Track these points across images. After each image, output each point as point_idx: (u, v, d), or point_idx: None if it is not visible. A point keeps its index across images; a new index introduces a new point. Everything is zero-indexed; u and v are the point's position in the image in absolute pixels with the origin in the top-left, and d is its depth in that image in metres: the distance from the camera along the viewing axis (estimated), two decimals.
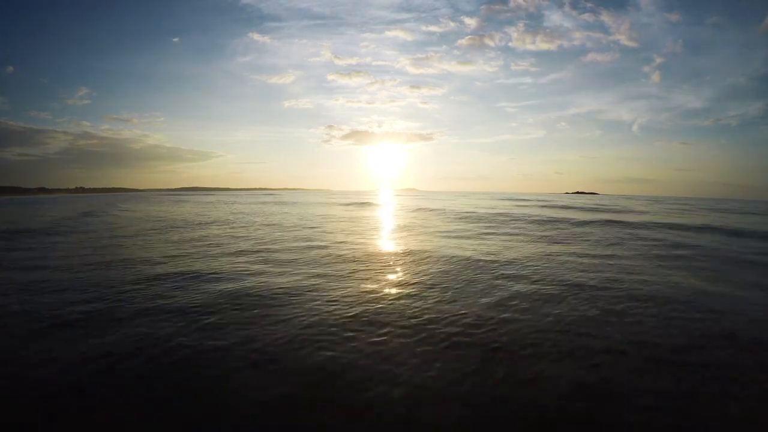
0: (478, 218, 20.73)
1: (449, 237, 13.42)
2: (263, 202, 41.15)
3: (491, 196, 70.92)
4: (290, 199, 53.87)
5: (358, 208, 32.16)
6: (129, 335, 4.40)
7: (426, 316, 5.05)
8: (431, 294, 6.14)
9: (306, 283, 6.78)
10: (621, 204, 41.01)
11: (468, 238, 13.21)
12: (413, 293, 6.18)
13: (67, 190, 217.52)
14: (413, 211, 27.38)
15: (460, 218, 21.17)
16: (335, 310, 5.29)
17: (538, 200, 49.45)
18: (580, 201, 50.14)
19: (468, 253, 9.79)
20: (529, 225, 17.73)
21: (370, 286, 6.62)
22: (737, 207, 42.78)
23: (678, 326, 4.81)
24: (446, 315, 5.10)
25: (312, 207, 32.61)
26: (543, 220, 19.72)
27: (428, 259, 8.98)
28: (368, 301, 5.71)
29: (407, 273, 7.69)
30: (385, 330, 4.58)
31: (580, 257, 9.58)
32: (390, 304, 5.57)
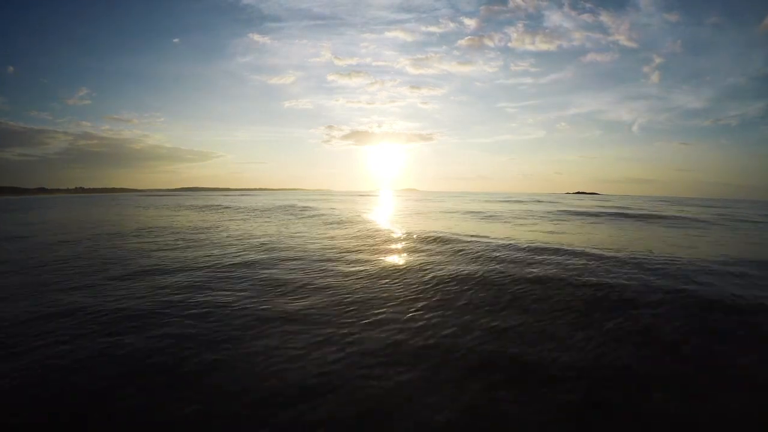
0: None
1: None
2: (200, 206, 35.31)
3: (492, 197, 64.49)
4: (251, 202, 47.90)
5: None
6: None
7: None
8: None
9: None
10: (658, 208, 34.62)
11: None
12: None
13: (67, 191, 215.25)
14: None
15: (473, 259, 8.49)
16: None
17: (551, 202, 43.24)
18: (608, 204, 43.82)
19: None
20: None
21: None
22: None
23: None
24: None
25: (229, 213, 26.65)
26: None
27: None
28: None
29: None
30: None
31: None
32: None
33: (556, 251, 9.05)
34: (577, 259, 8.18)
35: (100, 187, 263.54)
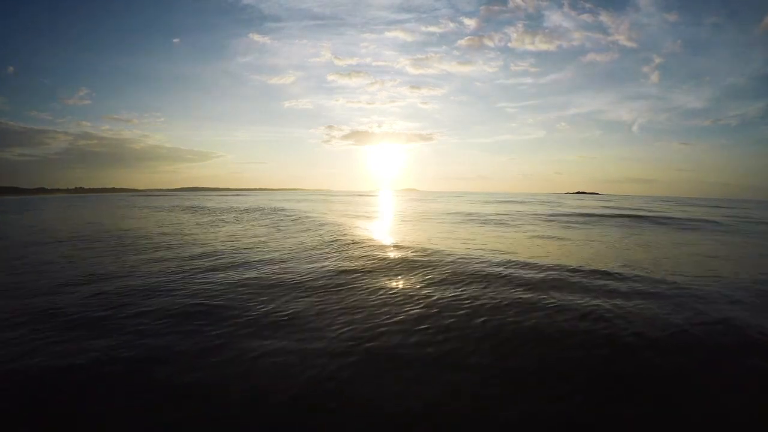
0: None
1: None
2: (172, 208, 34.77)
3: (492, 197, 63.82)
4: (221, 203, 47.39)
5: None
6: None
7: None
8: None
9: None
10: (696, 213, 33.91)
11: None
12: None
13: (67, 191, 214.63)
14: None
15: None
16: None
17: (553, 203, 42.73)
18: (611, 204, 43.37)
19: None
20: None
21: None
22: None
23: None
24: None
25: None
26: None
27: None
28: None
29: None
30: None
31: None
32: None
33: (582, 272, 7.36)
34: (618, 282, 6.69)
35: (100, 187, 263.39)
